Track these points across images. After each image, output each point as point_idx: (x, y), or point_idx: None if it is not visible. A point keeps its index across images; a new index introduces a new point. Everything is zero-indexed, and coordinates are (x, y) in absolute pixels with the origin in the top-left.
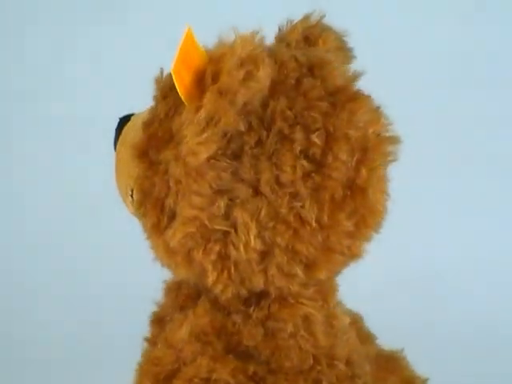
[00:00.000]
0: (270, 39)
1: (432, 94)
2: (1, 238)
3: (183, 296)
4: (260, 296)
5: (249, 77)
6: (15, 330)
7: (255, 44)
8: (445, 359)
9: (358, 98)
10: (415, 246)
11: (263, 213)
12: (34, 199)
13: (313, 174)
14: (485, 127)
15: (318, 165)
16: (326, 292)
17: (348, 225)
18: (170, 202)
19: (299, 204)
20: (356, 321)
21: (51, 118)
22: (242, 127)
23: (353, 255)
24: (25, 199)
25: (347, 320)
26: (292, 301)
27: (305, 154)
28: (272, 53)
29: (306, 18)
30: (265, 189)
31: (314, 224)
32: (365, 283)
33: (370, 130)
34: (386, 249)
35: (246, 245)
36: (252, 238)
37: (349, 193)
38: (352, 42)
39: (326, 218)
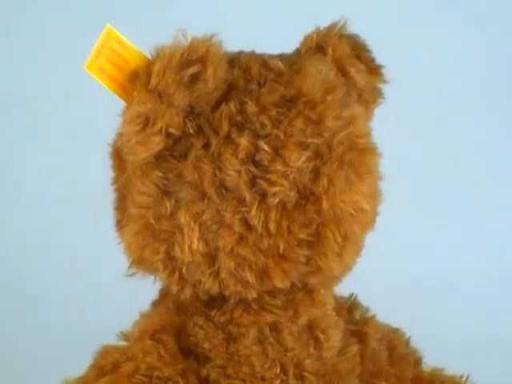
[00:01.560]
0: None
1: (432, 95)
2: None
3: (159, 293)
4: (223, 300)
5: (194, 79)
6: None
7: (209, 46)
8: (446, 363)
9: (323, 105)
10: (416, 248)
11: (206, 216)
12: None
13: (258, 180)
14: (485, 128)
15: (266, 171)
16: (298, 303)
17: (301, 234)
18: (128, 199)
19: (245, 209)
20: (390, 339)
21: (51, 118)
22: (191, 129)
23: (319, 267)
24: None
25: (336, 336)
26: (256, 307)
27: (252, 159)
28: (236, 57)
29: (329, 26)
30: (209, 192)
31: (260, 230)
32: (365, 286)
33: (335, 139)
34: (385, 251)
35: (190, 247)
36: (195, 240)
37: (303, 201)
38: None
39: (273, 225)
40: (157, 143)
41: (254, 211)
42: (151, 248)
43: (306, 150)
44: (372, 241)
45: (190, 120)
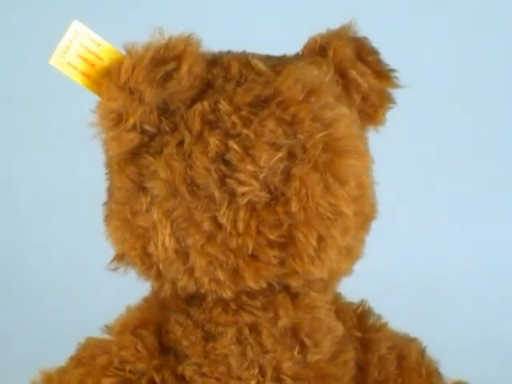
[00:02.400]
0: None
1: (432, 96)
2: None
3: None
4: (203, 298)
5: (167, 76)
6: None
7: (187, 45)
8: (445, 365)
9: (298, 107)
10: (414, 249)
11: (178, 213)
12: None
13: (228, 179)
14: (485, 128)
15: (235, 170)
16: (278, 305)
17: (271, 235)
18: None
19: (215, 207)
20: (402, 348)
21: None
22: (166, 127)
23: (295, 270)
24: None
25: (327, 341)
26: (235, 307)
27: (222, 158)
28: (219, 56)
29: (335, 29)
30: (181, 189)
31: (229, 229)
32: (362, 288)
33: (310, 141)
34: (385, 251)
35: (163, 243)
36: (167, 237)
37: (273, 202)
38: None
39: (241, 225)
40: (131, 139)
41: (223, 210)
42: (129, 243)
43: (278, 150)
44: (372, 241)
45: (166, 117)
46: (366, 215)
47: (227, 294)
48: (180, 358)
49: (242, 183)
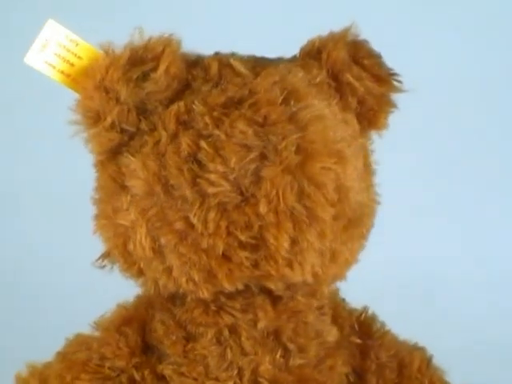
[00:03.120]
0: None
1: (431, 97)
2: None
3: None
4: (185, 298)
5: (144, 77)
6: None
7: (166, 46)
8: (445, 364)
9: (270, 108)
10: (414, 251)
11: (152, 212)
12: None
13: (199, 179)
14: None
15: (206, 171)
16: (257, 307)
17: (242, 236)
18: None
19: (187, 207)
20: (403, 356)
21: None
22: (145, 126)
23: (268, 272)
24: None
25: (313, 346)
26: (214, 308)
27: (194, 158)
28: (202, 57)
29: (334, 32)
30: (157, 189)
31: (200, 229)
32: (361, 289)
33: (283, 143)
34: (384, 254)
35: (140, 242)
36: (143, 236)
37: (243, 204)
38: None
39: (211, 225)
40: (110, 139)
41: (194, 210)
42: (112, 241)
43: (249, 151)
44: (372, 241)
45: (145, 117)
46: (349, 219)
47: (204, 294)
48: (161, 357)
49: (212, 184)
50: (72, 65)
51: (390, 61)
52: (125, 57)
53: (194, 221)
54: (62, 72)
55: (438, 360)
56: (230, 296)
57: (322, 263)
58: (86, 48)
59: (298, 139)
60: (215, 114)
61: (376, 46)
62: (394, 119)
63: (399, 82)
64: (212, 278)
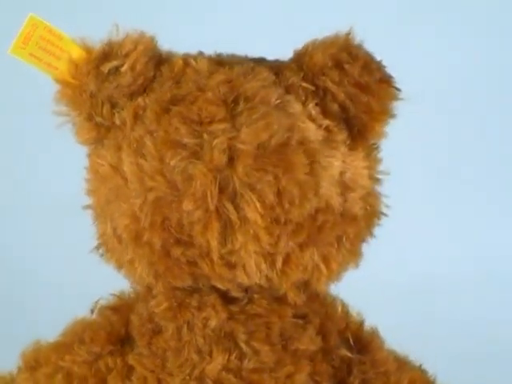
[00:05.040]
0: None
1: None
2: None
3: None
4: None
5: (115, 72)
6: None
7: (137, 43)
8: (445, 371)
9: (206, 106)
10: (413, 257)
11: (113, 203)
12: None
13: (142, 174)
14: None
15: (148, 165)
16: (208, 306)
17: (176, 233)
18: None
19: (136, 201)
20: (391, 373)
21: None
22: (117, 120)
23: (204, 271)
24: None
25: (270, 351)
26: (175, 304)
27: (142, 152)
28: (174, 55)
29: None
30: (117, 181)
31: (142, 223)
32: (362, 289)
33: (214, 142)
34: (383, 260)
35: (106, 232)
36: (108, 226)
37: (176, 200)
38: None
39: (148, 221)
40: (88, 130)
41: (139, 204)
42: (96, 230)
43: (182, 149)
44: (372, 242)
45: (118, 111)
46: (296, 223)
47: (160, 288)
48: (134, 347)
49: (150, 178)
50: (57, 57)
51: (396, 64)
52: (97, 51)
53: (138, 214)
54: (49, 64)
55: (438, 361)
56: (188, 292)
57: (272, 267)
58: (67, 42)
59: (231, 139)
60: (158, 110)
61: (379, 49)
62: (393, 121)
63: (396, 89)
64: (157, 273)
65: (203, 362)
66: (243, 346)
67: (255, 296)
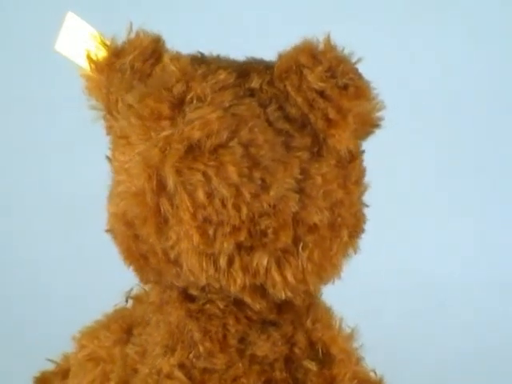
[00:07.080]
0: None
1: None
2: None
3: None
4: None
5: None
6: None
7: (142, 41)
8: (445, 371)
9: (158, 105)
10: (414, 255)
11: (111, 191)
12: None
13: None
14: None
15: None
16: (167, 301)
17: (140, 230)
18: None
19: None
20: None
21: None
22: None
23: (152, 266)
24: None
25: (221, 354)
26: (157, 298)
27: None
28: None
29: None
30: (112, 171)
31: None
32: (362, 290)
33: (168, 139)
34: (385, 253)
35: (109, 220)
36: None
37: (136, 194)
38: None
39: (116, 211)
40: (108, 125)
41: (114, 194)
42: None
43: (139, 144)
44: (371, 242)
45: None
46: (233, 225)
47: (139, 280)
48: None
49: (117, 172)
50: (95, 55)
51: (396, 64)
52: (112, 49)
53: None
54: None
55: (437, 364)
56: (167, 288)
57: (216, 268)
58: (98, 38)
59: (168, 137)
60: (126, 105)
61: (379, 50)
62: (392, 121)
63: (371, 96)
64: (139, 274)
65: (165, 357)
66: (199, 345)
67: (214, 296)
